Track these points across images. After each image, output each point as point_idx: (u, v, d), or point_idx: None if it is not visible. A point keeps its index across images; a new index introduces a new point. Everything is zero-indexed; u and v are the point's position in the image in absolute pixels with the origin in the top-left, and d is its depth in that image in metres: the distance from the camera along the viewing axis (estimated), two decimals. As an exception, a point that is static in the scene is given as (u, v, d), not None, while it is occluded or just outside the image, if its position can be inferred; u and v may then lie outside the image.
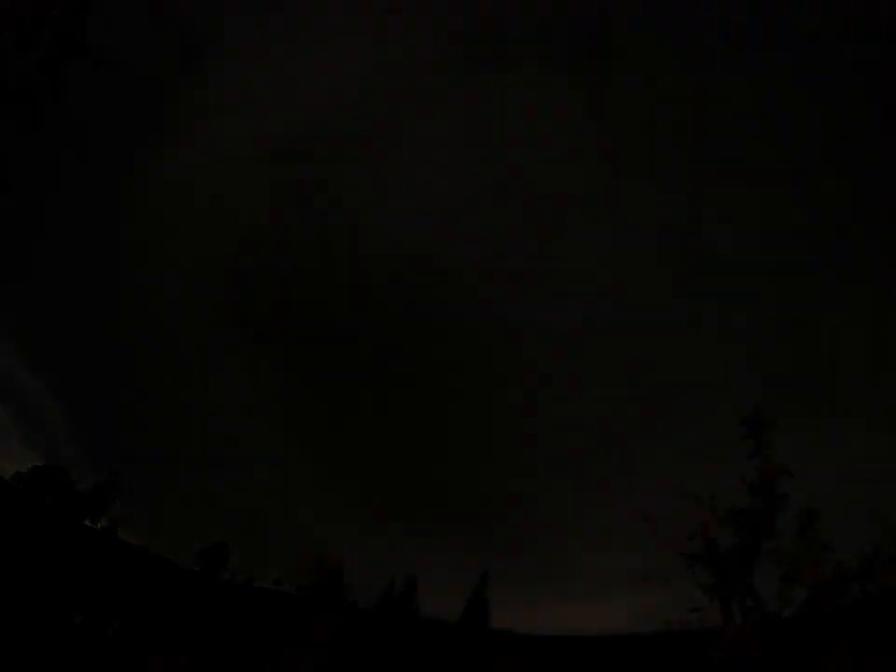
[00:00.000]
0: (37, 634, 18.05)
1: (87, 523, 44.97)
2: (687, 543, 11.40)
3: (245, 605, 34.94)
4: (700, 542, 11.39)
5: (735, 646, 10.36)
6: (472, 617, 43.86)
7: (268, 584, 41.16)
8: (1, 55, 6.21)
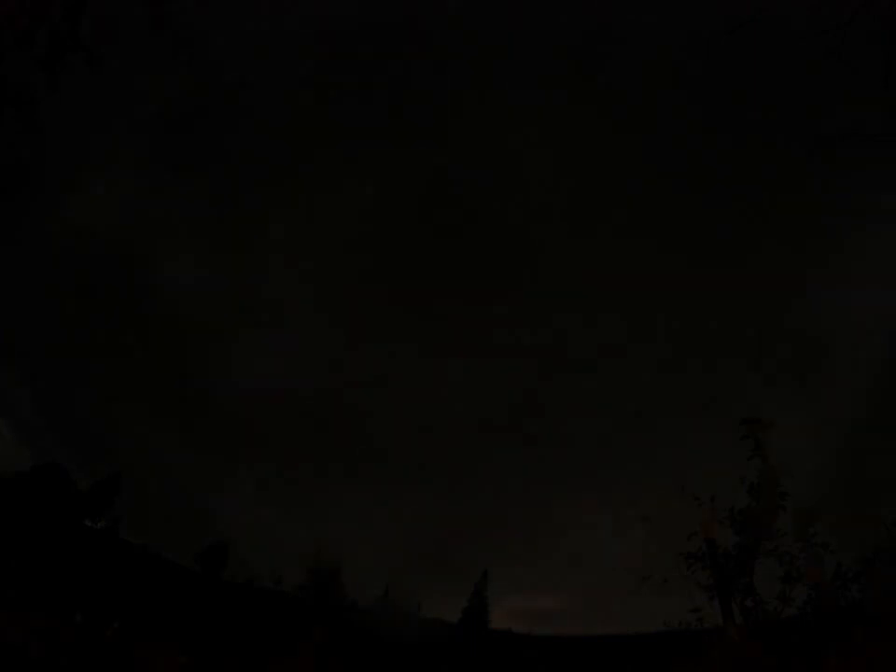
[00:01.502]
0: (37, 633, 18.07)
1: (87, 523, 44.98)
2: (687, 543, 11.44)
3: (245, 605, 34.96)
4: (700, 542, 11.42)
5: (735, 646, 10.37)
6: (472, 617, 43.88)
7: (268, 584, 41.17)
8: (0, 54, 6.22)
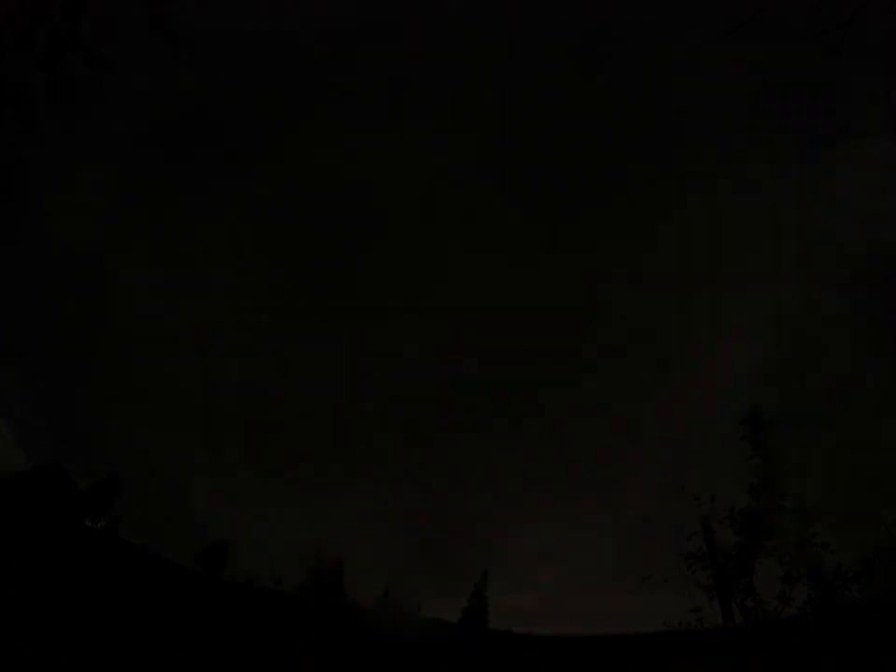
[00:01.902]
0: (37, 634, 18.08)
1: (87, 523, 45.01)
2: (687, 543, 11.44)
3: (245, 605, 34.97)
4: (700, 542, 11.43)
5: (735, 646, 10.37)
6: (472, 617, 43.90)
7: (268, 584, 41.19)
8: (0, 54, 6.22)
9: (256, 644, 25.53)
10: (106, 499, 46.18)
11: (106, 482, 46.98)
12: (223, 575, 43.76)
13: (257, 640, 26.28)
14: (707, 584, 11.26)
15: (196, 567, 43.99)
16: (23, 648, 16.55)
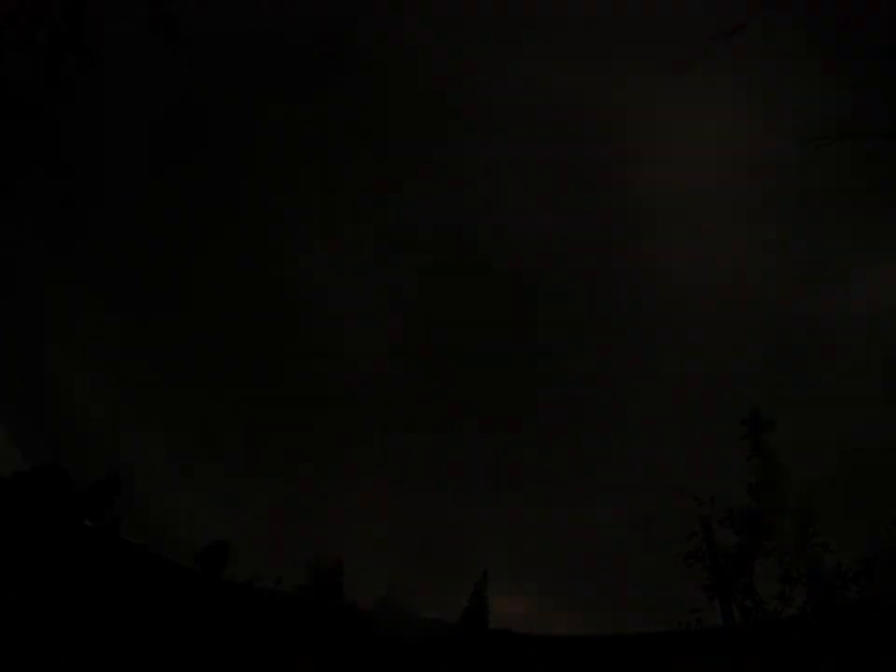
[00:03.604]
0: (38, 634, 18.08)
1: (87, 523, 44.98)
2: (687, 543, 11.44)
3: (245, 605, 34.95)
4: (700, 542, 11.43)
5: (735, 646, 10.37)
6: (472, 617, 43.87)
7: (268, 584, 41.15)
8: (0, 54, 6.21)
9: (256, 644, 25.52)
10: (106, 499, 46.13)
11: (106, 482, 46.92)
12: (223, 575, 43.72)
13: (257, 640, 26.27)
14: (706, 584, 11.26)
15: (196, 567, 43.94)
16: (23, 648, 16.53)
